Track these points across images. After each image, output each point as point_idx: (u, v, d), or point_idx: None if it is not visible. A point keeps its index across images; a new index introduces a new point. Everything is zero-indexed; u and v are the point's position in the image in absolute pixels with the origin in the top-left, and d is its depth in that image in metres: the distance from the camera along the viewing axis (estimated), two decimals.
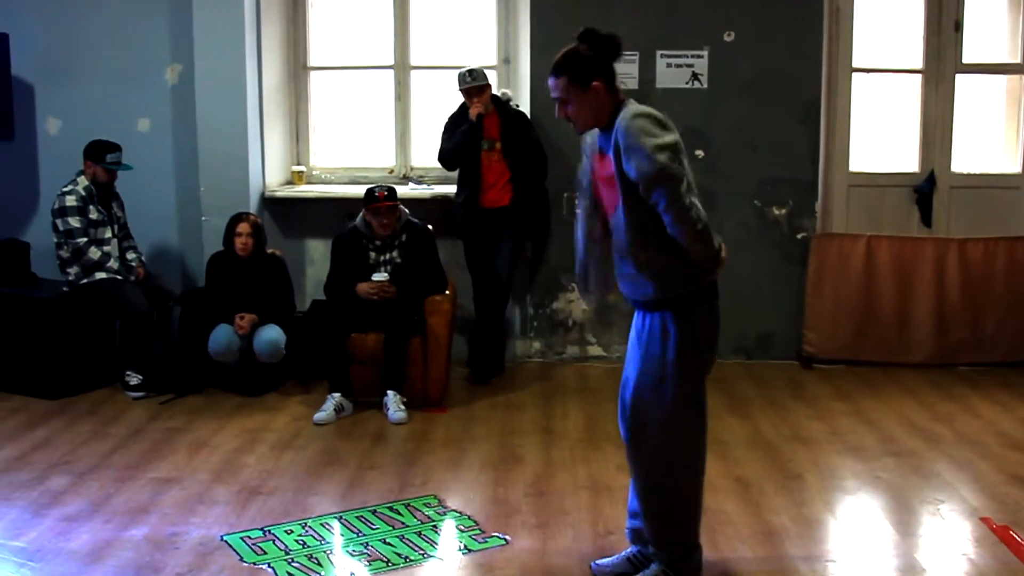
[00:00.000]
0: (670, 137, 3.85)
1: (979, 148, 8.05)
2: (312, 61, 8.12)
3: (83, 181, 7.17)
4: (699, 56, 7.55)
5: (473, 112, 7.14)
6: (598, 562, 4.50)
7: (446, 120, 7.37)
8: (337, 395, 6.60)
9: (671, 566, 4.25)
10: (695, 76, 7.57)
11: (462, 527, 4.97)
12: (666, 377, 4.10)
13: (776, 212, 7.72)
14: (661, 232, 3.93)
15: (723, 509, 5.11)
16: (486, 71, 7.24)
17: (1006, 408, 6.77)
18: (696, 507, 4.27)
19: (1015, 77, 7.91)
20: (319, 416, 6.50)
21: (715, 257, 4.05)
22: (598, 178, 4.15)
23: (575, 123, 4.11)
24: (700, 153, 7.61)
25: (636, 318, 4.29)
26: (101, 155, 7.15)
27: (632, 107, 3.97)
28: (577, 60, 4.09)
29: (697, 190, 3.88)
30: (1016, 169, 7.94)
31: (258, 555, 4.67)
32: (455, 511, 5.14)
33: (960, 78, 7.74)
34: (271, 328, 6.96)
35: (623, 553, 4.46)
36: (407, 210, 6.97)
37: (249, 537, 4.85)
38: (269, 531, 4.92)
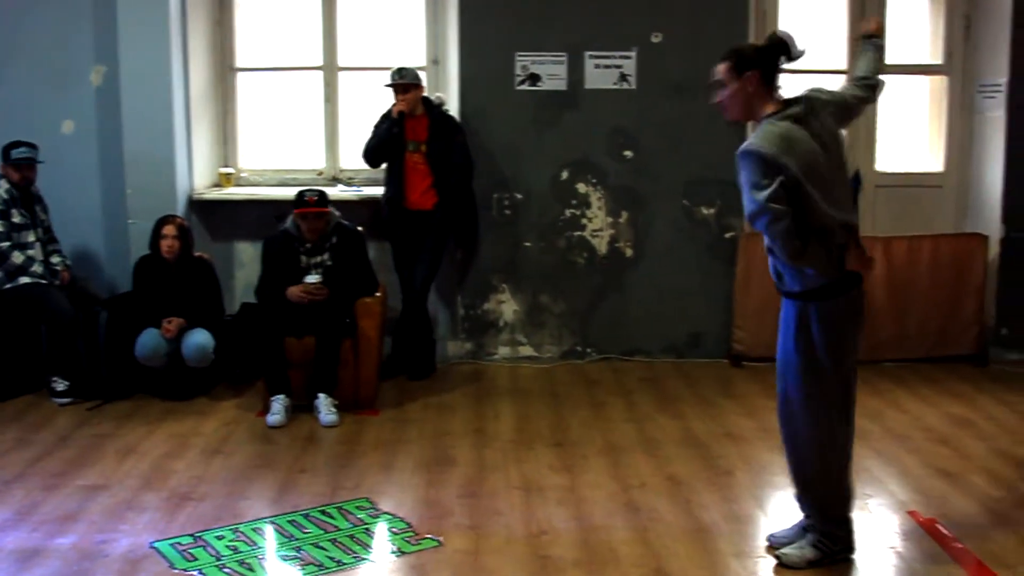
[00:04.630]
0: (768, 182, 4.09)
1: (902, 147, 8.18)
2: (239, 62, 8.06)
3: (4, 184, 7.05)
4: (627, 57, 7.59)
5: (395, 109, 7.13)
6: (774, 534, 4.73)
7: (376, 122, 7.34)
8: (282, 396, 6.55)
9: (826, 535, 4.51)
10: (623, 77, 7.62)
11: (395, 530, 4.95)
12: (802, 361, 4.39)
13: (704, 212, 7.78)
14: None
15: (654, 507, 5.15)
16: (419, 73, 7.22)
17: (931, 403, 6.89)
18: (844, 483, 4.52)
19: (937, 78, 8.05)
20: (272, 419, 6.44)
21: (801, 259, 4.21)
22: None
23: (724, 110, 4.36)
24: (629, 154, 7.66)
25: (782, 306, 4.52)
26: (7, 152, 7.05)
27: (764, 128, 4.20)
28: (744, 48, 4.39)
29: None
30: (939, 168, 8.09)
31: (189, 561, 4.63)
32: (388, 514, 5.13)
33: (883, 79, 7.84)
34: (199, 332, 6.89)
35: (797, 523, 4.68)
36: (338, 212, 6.94)
37: (179, 543, 4.80)
38: (200, 537, 4.87)
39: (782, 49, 4.29)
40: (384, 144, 7.22)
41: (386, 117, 7.26)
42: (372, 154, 7.30)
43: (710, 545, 4.75)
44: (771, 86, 4.28)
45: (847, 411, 4.44)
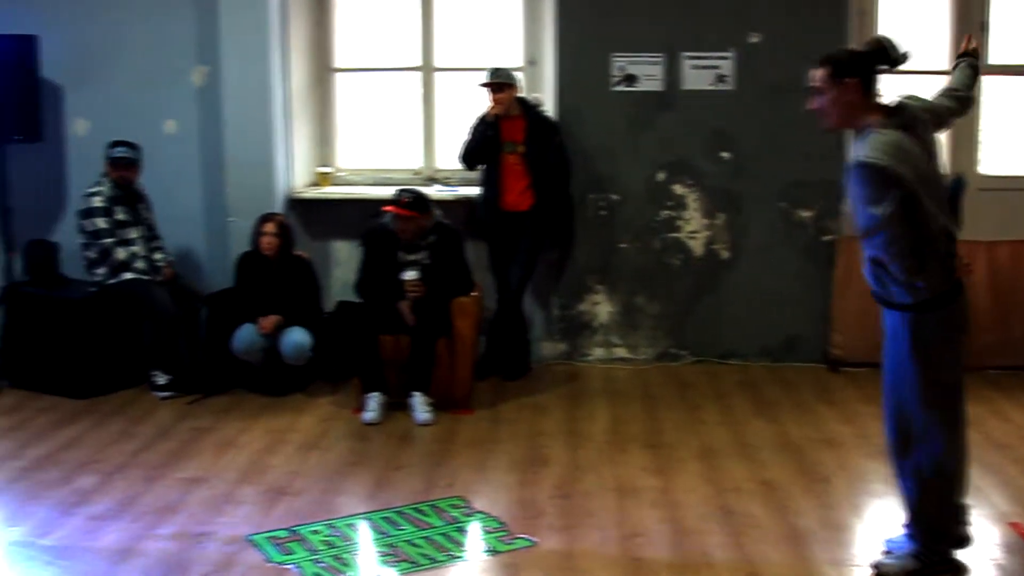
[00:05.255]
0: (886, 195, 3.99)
1: (1007, 150, 8.00)
2: (338, 63, 8.13)
3: (107, 182, 7.20)
4: (725, 57, 7.53)
5: (491, 112, 7.14)
6: (890, 539, 4.65)
7: (473, 124, 7.35)
8: (377, 394, 6.59)
9: (930, 548, 4.42)
10: (721, 77, 7.55)
11: (488, 529, 4.97)
12: (919, 372, 4.26)
13: (802, 214, 7.68)
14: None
15: (749, 512, 5.10)
16: (514, 74, 7.23)
17: None
18: (948, 499, 4.40)
19: None
20: (368, 416, 6.51)
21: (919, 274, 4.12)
22: None
23: (821, 117, 4.29)
24: (726, 155, 7.59)
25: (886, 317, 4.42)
26: (108, 151, 7.21)
27: (875, 138, 4.09)
28: (843, 54, 4.30)
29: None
30: None
31: (285, 555, 4.68)
32: (481, 513, 5.14)
33: (987, 79, 7.69)
34: (297, 330, 6.97)
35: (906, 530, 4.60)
36: (440, 211, 6.96)
37: (276, 537, 4.86)
38: (296, 531, 4.93)
39: (883, 55, 4.19)
40: (480, 147, 7.23)
41: (482, 120, 7.28)
42: (469, 157, 7.32)
43: (805, 552, 4.68)
44: (871, 93, 4.19)
45: (962, 421, 4.35)
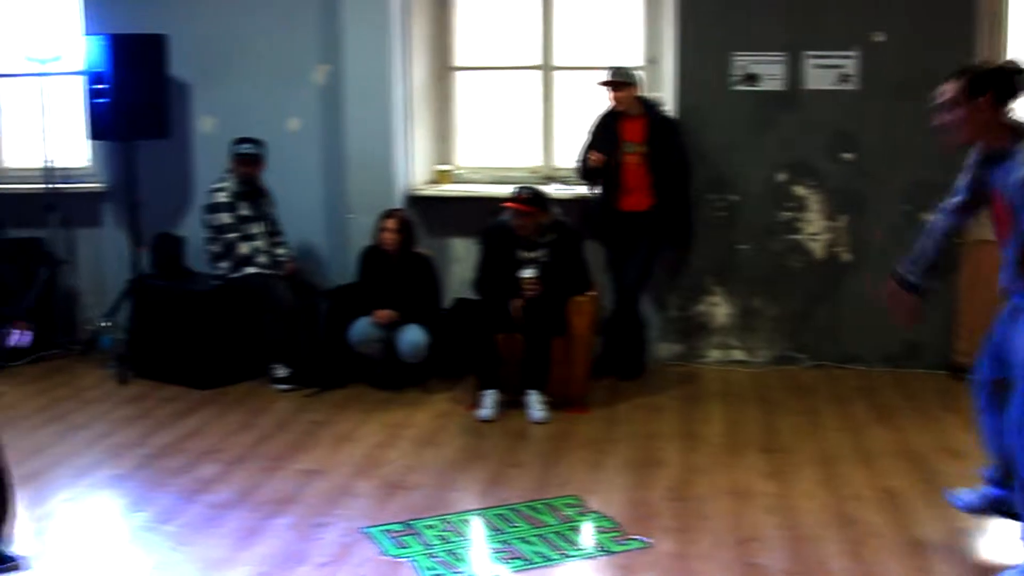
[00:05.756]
0: None
1: None
2: (458, 61, 8.18)
3: (232, 178, 7.35)
4: (848, 56, 7.40)
5: (615, 106, 7.12)
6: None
7: (593, 124, 7.34)
8: (493, 391, 6.62)
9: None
10: (844, 77, 7.42)
11: (602, 528, 4.95)
12: None
13: (926, 216, 7.50)
14: None
15: (869, 520, 5.00)
16: (634, 73, 7.19)
17: None
18: None
19: None
20: (484, 413, 6.54)
21: None
22: (993, 204, 4.28)
23: (949, 132, 4.25)
24: (848, 156, 7.47)
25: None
26: (234, 147, 7.36)
27: None
28: (979, 69, 4.23)
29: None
30: None
31: (400, 548, 4.72)
32: (595, 512, 5.13)
33: None
34: (414, 328, 7.02)
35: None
36: (558, 210, 6.96)
37: (391, 531, 4.91)
38: (411, 525, 4.97)
39: (1020, 76, 4.11)
40: (592, 174, 7.26)
41: (601, 124, 7.25)
42: (589, 174, 7.31)
43: (926, 564, 4.57)
44: (1004, 110, 4.10)
45: None
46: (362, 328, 7.06)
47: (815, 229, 7.60)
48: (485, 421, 6.50)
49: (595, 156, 7.18)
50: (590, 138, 7.30)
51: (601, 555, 4.70)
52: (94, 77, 7.49)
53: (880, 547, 4.72)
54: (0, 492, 4.32)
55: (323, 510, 5.17)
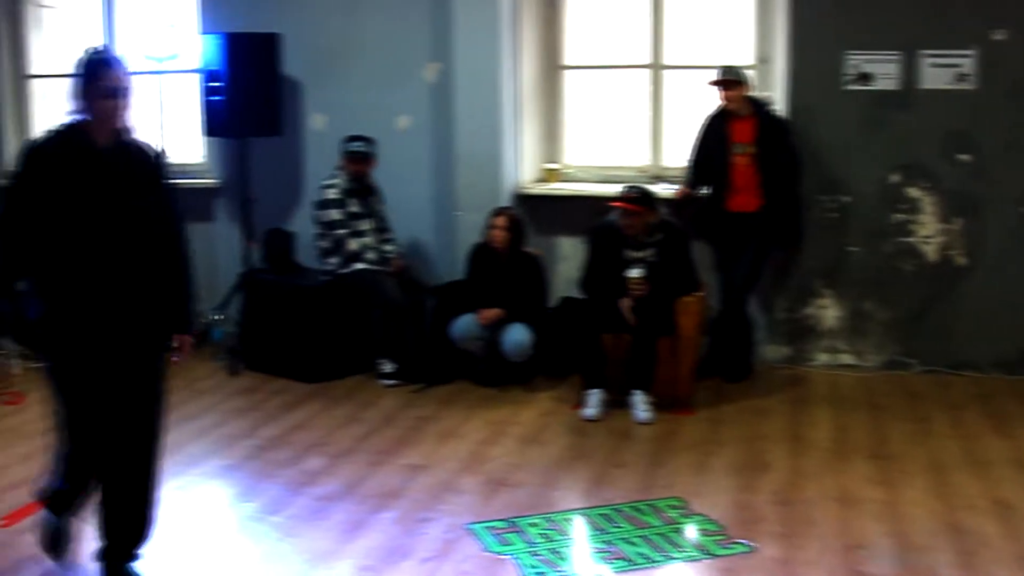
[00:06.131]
0: None
1: None
2: (567, 60, 8.18)
3: (342, 175, 7.44)
4: (966, 55, 7.24)
5: (726, 105, 7.06)
6: None
7: (701, 126, 7.29)
8: (598, 391, 6.61)
9: None
10: (961, 76, 7.26)
11: (706, 531, 4.92)
12: None
13: None
14: None
15: (981, 531, 4.89)
16: (745, 73, 7.12)
17: None
18: None
19: None
20: (589, 413, 6.54)
21: None
22: None
23: None
24: (965, 157, 7.31)
25: None
26: (345, 145, 7.45)
27: None
28: None
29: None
30: None
31: (503, 545, 4.74)
32: (700, 515, 5.09)
33: None
34: (519, 328, 7.04)
35: None
36: (665, 209, 6.93)
37: (495, 527, 4.93)
38: (514, 523, 4.98)
39: None
40: (708, 151, 7.23)
41: (710, 126, 7.20)
42: (699, 171, 7.30)
43: None
44: None
45: None
46: (464, 325, 7.10)
47: (929, 232, 7.45)
48: (590, 420, 6.49)
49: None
50: (699, 138, 7.26)
51: (704, 558, 4.67)
52: (210, 75, 7.64)
53: (993, 559, 4.61)
54: (137, 509, 4.33)
55: (427, 505, 5.21)
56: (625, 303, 6.66)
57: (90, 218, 3.95)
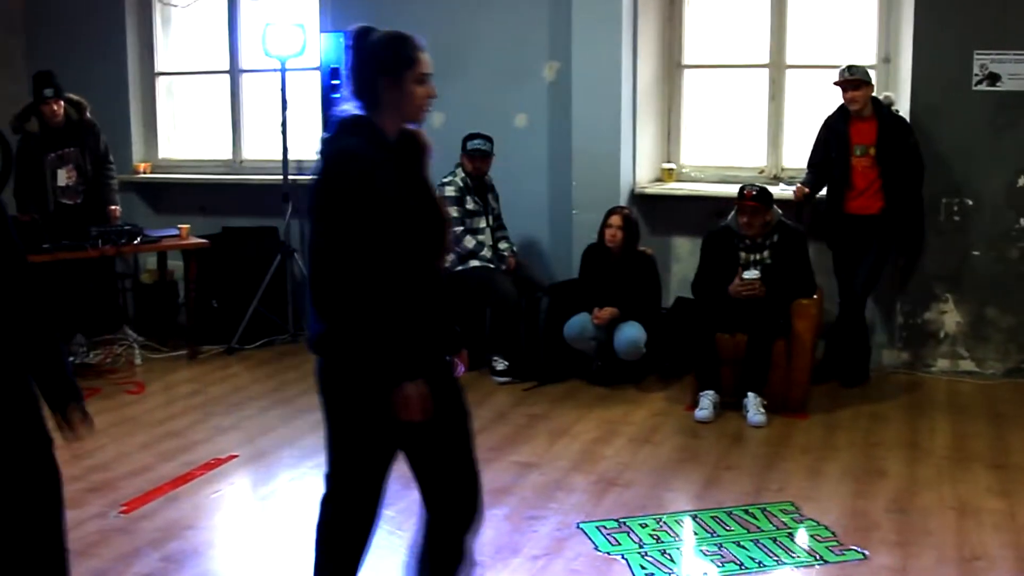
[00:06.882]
0: None
1: None
2: (687, 59, 8.13)
3: (460, 173, 7.51)
4: None
5: (850, 106, 6.95)
6: None
7: (821, 126, 7.20)
8: (711, 392, 6.59)
9: None
10: None
11: (818, 537, 4.86)
12: None
13: None
14: None
15: None
16: (868, 71, 7.01)
17: None
18: None
19: None
20: (701, 414, 6.52)
21: None
22: None
23: None
24: None
25: None
26: (465, 143, 7.51)
27: None
28: None
29: None
30: None
31: (613, 545, 4.74)
32: (812, 520, 5.03)
33: None
34: (632, 326, 7.03)
35: None
36: (780, 211, 6.88)
37: (604, 527, 4.93)
38: (624, 523, 4.98)
39: None
40: (828, 153, 7.13)
41: (829, 125, 7.11)
42: (819, 172, 7.22)
43: None
44: None
45: None
46: (577, 324, 7.12)
47: None
48: (702, 422, 6.46)
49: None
50: (819, 139, 7.17)
51: (816, 564, 4.61)
52: (330, 72, 7.76)
53: None
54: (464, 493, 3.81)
55: (538, 503, 5.24)
56: (736, 287, 6.67)
57: (414, 227, 3.34)
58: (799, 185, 7.21)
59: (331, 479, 3.56)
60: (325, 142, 3.37)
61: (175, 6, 9.20)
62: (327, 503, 3.58)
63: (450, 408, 3.55)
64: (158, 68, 9.30)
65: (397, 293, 3.26)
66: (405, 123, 3.45)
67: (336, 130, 3.36)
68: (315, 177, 3.29)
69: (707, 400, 6.55)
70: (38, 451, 3.34)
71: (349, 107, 3.38)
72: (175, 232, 8.00)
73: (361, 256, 3.19)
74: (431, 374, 3.38)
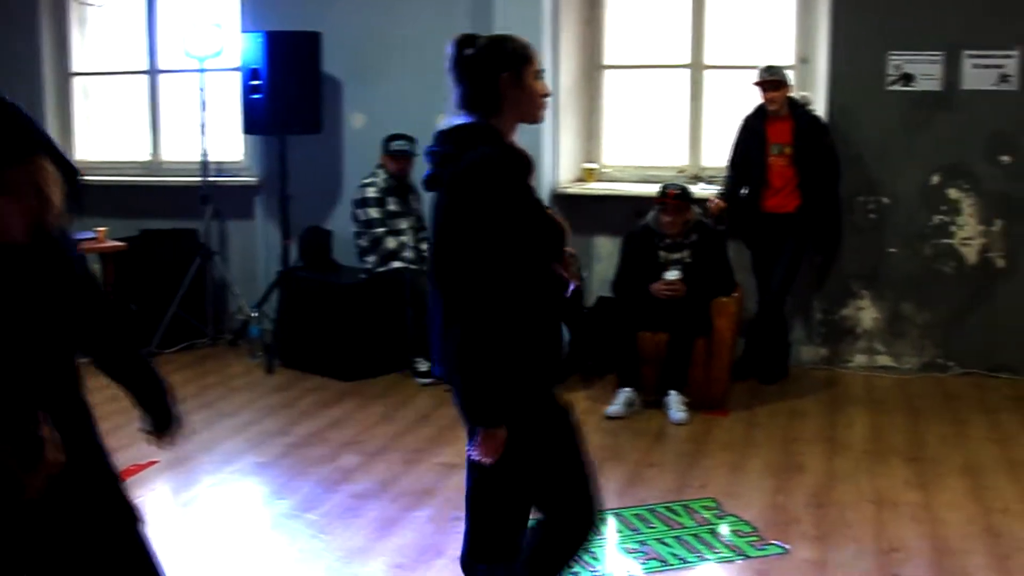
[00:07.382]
0: None
1: None
2: (607, 60, 8.17)
3: (382, 174, 7.48)
4: (1009, 56, 7.18)
5: (768, 106, 7.02)
6: None
7: (739, 126, 7.26)
8: (628, 390, 6.62)
9: None
10: (1004, 77, 7.20)
11: (740, 532, 4.90)
12: None
13: None
14: None
15: (1018, 535, 4.85)
16: (786, 72, 7.09)
17: None
18: None
19: None
20: (612, 410, 6.55)
21: None
22: None
23: None
24: (1006, 159, 7.25)
25: None
26: (387, 144, 7.47)
27: None
28: None
29: None
30: None
31: None
32: (733, 515, 5.08)
33: None
34: None
35: None
36: (699, 210, 6.93)
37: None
38: None
39: None
40: (747, 153, 7.20)
41: (747, 126, 7.18)
42: (736, 172, 7.27)
43: None
44: None
45: None
46: None
47: (968, 234, 7.40)
48: (612, 418, 6.48)
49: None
50: (737, 139, 7.24)
51: (738, 559, 4.66)
52: (250, 73, 7.69)
53: None
54: None
55: (462, 504, 5.15)
56: (658, 286, 6.70)
57: (549, 235, 3.25)
58: (716, 201, 7.24)
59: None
60: (449, 153, 3.21)
61: (91, 5, 9.04)
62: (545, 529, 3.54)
63: (563, 427, 3.55)
64: (73, 68, 9.13)
65: (532, 307, 3.18)
66: (523, 123, 3.30)
67: (459, 139, 3.22)
68: (452, 188, 3.12)
69: (621, 397, 6.58)
70: (112, 491, 3.15)
71: (458, 120, 3.26)
72: (92, 235, 7.86)
73: (506, 267, 3.06)
74: (541, 399, 3.41)
